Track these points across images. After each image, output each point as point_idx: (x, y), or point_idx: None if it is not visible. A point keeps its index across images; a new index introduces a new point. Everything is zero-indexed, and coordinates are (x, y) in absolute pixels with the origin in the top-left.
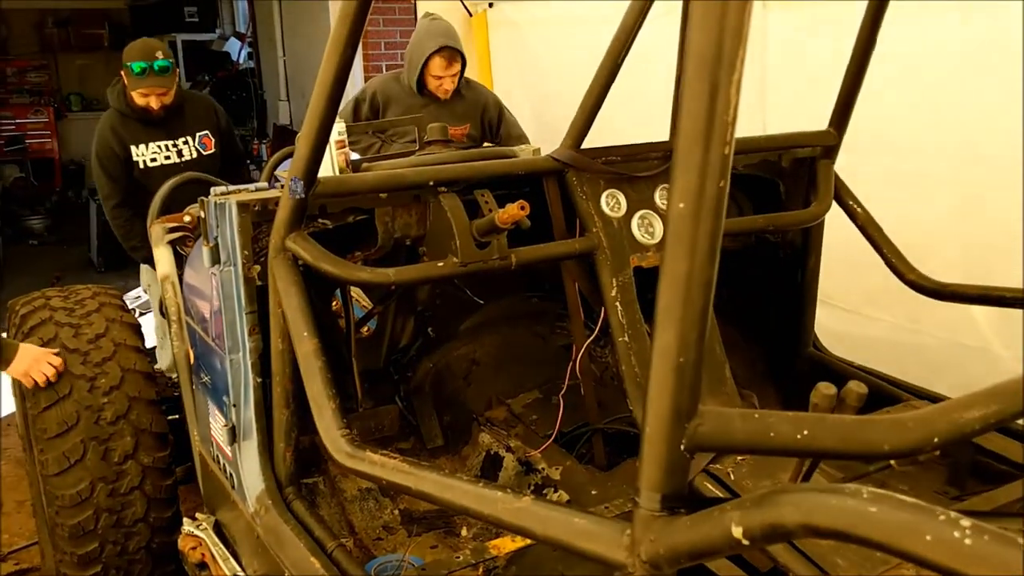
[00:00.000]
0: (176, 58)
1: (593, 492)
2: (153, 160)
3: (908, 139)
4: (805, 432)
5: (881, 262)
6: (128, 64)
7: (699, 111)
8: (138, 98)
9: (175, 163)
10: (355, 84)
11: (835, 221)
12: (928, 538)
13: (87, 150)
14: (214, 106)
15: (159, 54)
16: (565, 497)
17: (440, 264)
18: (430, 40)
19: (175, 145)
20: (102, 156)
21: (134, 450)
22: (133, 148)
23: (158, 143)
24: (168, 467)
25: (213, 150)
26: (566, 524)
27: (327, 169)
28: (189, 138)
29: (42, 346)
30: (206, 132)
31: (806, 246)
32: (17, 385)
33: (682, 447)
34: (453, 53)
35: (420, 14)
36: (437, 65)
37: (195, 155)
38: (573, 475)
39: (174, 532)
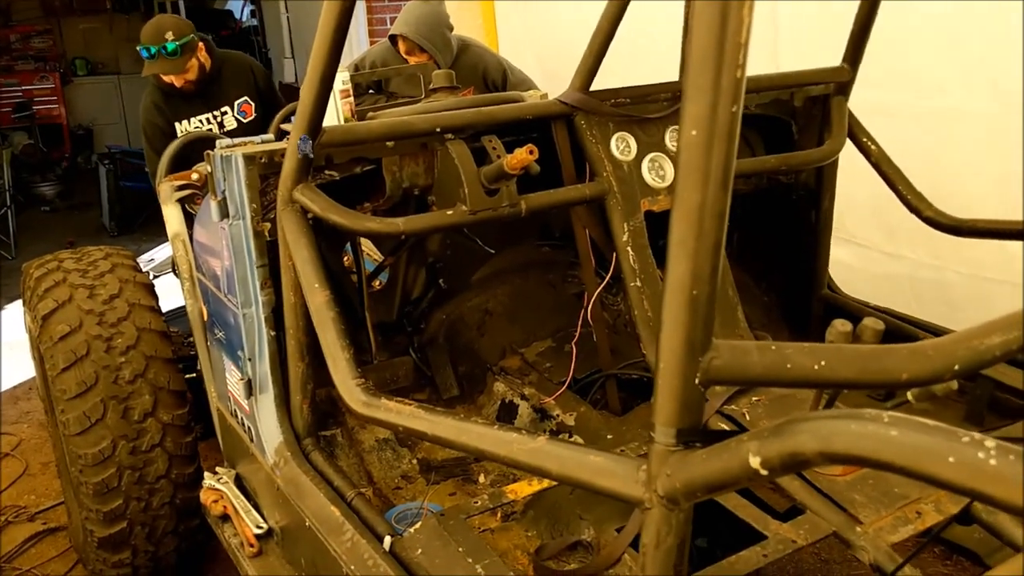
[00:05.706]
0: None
1: (608, 437)
2: None
3: (928, 73)
4: (823, 363)
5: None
6: (139, 48)
7: (710, 32)
8: (161, 76)
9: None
10: (360, 36)
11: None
12: (951, 459)
13: (95, 115)
14: (250, 65)
15: (169, 35)
16: (580, 442)
17: (449, 212)
18: (399, 21)
19: (215, 117)
20: (149, 133)
21: (153, 408)
22: (177, 125)
23: (199, 117)
24: (188, 424)
25: (253, 116)
26: (582, 462)
27: (332, 119)
28: (228, 108)
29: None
30: (245, 98)
31: (820, 186)
32: (36, 347)
33: (696, 381)
34: (412, 45)
35: None
36: (400, 47)
37: (235, 125)
38: (588, 421)
39: (196, 487)
